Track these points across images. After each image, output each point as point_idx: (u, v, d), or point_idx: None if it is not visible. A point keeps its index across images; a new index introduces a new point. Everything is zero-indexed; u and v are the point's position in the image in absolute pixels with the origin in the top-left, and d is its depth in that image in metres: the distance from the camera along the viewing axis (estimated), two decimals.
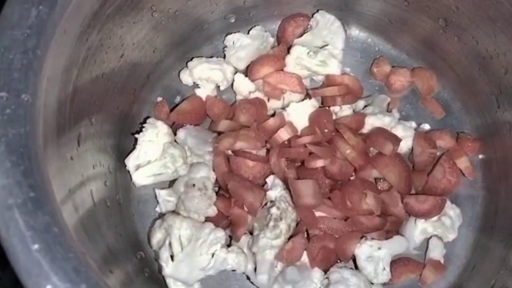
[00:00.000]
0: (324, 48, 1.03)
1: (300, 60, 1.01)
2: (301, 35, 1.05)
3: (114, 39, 0.84)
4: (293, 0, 1.04)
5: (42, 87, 0.64)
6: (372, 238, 0.90)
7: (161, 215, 0.94)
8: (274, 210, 0.88)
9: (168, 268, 0.87)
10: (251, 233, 0.92)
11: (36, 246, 0.54)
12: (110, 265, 0.74)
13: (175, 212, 0.93)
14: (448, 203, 0.94)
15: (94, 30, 0.77)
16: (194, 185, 0.91)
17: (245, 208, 0.91)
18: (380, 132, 0.95)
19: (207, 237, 0.87)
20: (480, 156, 1.01)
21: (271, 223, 0.87)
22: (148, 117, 0.98)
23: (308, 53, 1.01)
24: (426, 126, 1.04)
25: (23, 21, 0.64)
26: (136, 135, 0.95)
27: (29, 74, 0.62)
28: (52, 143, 0.68)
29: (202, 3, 0.98)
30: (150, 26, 0.92)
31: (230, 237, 0.94)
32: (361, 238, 0.90)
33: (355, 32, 1.09)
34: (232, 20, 1.06)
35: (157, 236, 0.90)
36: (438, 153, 0.99)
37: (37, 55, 0.64)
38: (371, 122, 0.97)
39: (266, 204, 0.91)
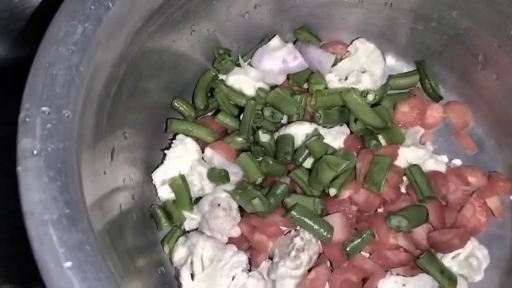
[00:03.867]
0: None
1: (332, 84, 1.01)
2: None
3: (153, 56, 0.85)
4: (331, 25, 1.04)
5: (82, 103, 0.65)
6: (397, 274, 0.88)
7: (185, 232, 0.94)
8: (297, 240, 0.86)
9: (187, 287, 0.86)
10: (270, 258, 0.91)
11: (68, 264, 0.54)
12: (135, 282, 0.74)
13: (199, 230, 0.93)
14: (476, 243, 0.91)
15: (135, 47, 0.78)
16: (219, 204, 0.91)
17: (267, 232, 0.90)
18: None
19: (229, 259, 0.86)
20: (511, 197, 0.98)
21: (293, 253, 0.86)
22: (177, 133, 0.98)
23: (339, 80, 1.02)
24: (458, 162, 1.01)
25: (68, 38, 0.65)
26: (166, 151, 0.95)
27: (71, 90, 0.63)
28: (88, 158, 0.68)
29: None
30: (188, 44, 0.93)
31: (249, 259, 0.92)
32: (386, 272, 0.88)
33: (392, 61, 1.08)
34: None
35: (180, 253, 0.90)
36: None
37: (80, 72, 0.65)
38: (404, 155, 0.95)
39: (290, 231, 0.90)
